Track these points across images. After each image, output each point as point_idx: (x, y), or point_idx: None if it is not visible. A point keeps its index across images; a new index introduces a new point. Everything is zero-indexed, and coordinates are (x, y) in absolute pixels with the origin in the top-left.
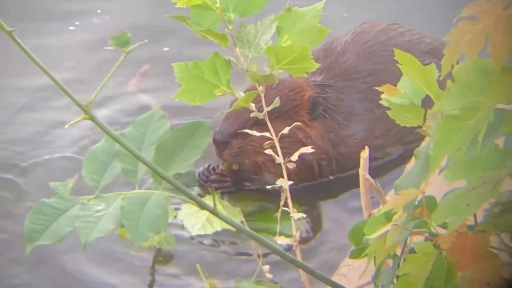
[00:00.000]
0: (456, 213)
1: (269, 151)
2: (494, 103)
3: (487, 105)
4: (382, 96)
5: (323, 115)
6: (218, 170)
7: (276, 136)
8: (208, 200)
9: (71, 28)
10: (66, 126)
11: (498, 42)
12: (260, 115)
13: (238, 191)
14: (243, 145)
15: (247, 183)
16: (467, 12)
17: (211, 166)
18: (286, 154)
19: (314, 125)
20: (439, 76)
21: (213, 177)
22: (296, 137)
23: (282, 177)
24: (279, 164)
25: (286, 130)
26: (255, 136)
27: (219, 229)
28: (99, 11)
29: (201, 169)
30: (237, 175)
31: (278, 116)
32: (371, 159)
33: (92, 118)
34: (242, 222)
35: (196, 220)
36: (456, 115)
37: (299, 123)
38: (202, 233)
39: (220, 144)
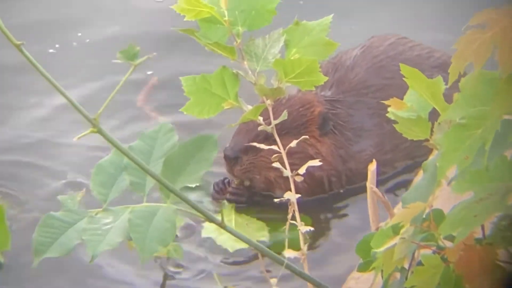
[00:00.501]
0: (463, 224)
1: (279, 166)
2: (501, 112)
3: (495, 114)
4: (389, 109)
5: (333, 131)
6: (233, 184)
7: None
8: (226, 214)
9: (51, 50)
10: (75, 139)
11: (506, 50)
12: (268, 129)
13: (254, 205)
14: (253, 161)
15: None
16: (475, 21)
17: (226, 180)
18: (297, 170)
19: (325, 141)
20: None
21: (230, 189)
22: (307, 153)
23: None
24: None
25: (293, 144)
26: (265, 151)
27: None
28: (79, 34)
29: (216, 181)
30: (252, 190)
31: (288, 132)
32: (380, 173)
33: (100, 131)
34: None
35: (227, 235)
36: (464, 124)
37: (308, 138)
38: (239, 248)
39: (231, 160)
